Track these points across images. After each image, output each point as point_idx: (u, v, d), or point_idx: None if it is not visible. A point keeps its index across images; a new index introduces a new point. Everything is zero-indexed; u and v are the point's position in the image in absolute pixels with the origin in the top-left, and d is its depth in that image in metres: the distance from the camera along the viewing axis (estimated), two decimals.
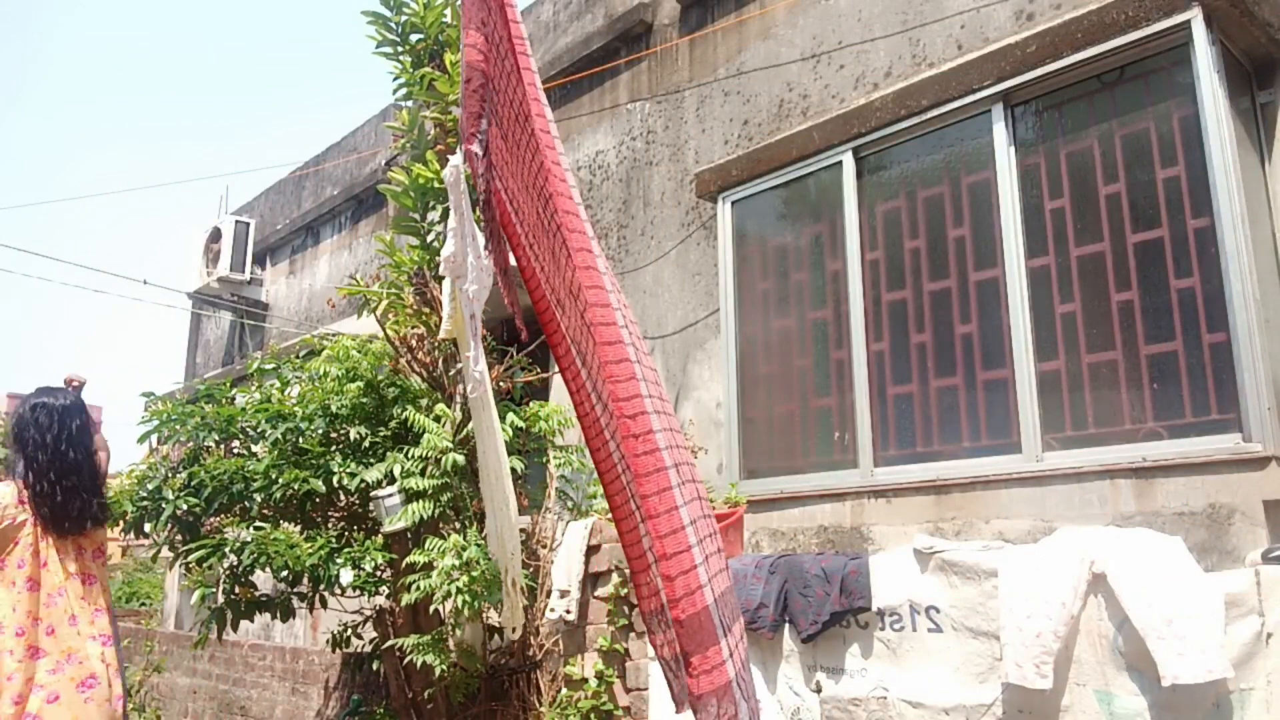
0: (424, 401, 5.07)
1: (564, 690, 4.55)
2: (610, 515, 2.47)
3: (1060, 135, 4.05)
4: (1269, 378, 3.36)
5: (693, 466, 2.48)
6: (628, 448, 2.12)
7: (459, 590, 4.28)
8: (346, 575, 4.88)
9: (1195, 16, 3.58)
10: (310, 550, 4.71)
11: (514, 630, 4.51)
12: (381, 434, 5.07)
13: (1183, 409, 3.55)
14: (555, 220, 2.38)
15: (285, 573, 4.68)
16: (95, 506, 3.58)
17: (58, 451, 3.49)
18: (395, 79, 5.44)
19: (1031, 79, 4.02)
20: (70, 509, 3.48)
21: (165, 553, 5.09)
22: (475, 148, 2.31)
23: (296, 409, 5.05)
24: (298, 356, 5.87)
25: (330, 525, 5.32)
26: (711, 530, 2.45)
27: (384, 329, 5.23)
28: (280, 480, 4.76)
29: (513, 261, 2.57)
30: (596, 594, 4.58)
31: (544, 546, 5.11)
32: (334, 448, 5.07)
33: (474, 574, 4.31)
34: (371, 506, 4.87)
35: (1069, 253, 3.93)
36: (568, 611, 4.56)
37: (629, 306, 2.69)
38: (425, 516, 4.63)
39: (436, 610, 4.61)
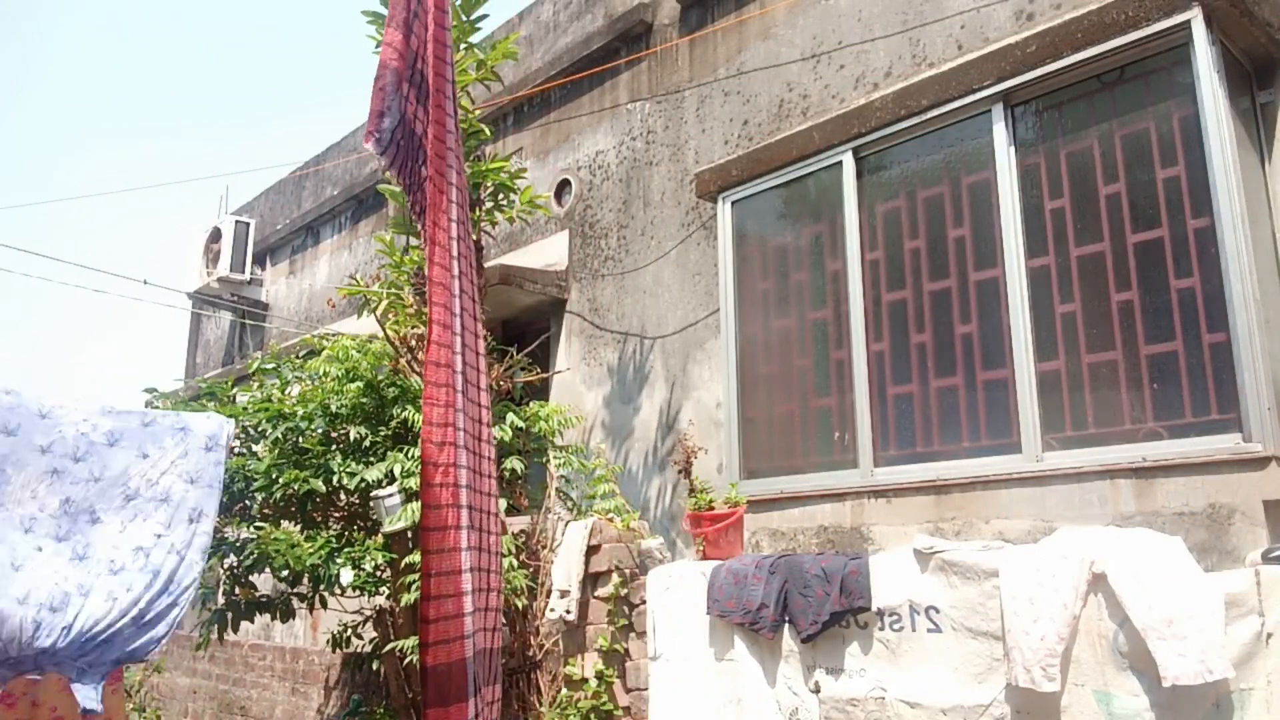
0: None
1: (564, 690, 4.55)
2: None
3: (1060, 135, 4.05)
4: (1269, 378, 3.36)
5: (495, 518, 2.41)
6: (425, 475, 2.02)
7: None
8: (347, 575, 4.88)
9: (1195, 16, 3.58)
10: (311, 550, 4.71)
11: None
12: (382, 434, 5.07)
13: (1183, 409, 3.55)
14: (433, 229, 2.35)
15: (286, 573, 4.68)
16: None
17: None
18: None
19: (1031, 79, 4.02)
20: None
21: None
22: (371, 145, 2.29)
23: (297, 408, 5.05)
24: (298, 356, 5.87)
25: (330, 525, 5.32)
26: (490, 586, 2.35)
27: (384, 329, 5.23)
28: (281, 480, 4.76)
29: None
30: (596, 594, 4.58)
31: (544, 546, 5.11)
32: (334, 447, 5.07)
33: None
34: (371, 506, 4.87)
35: (1069, 253, 3.93)
36: (568, 611, 4.56)
37: (482, 337, 2.65)
38: None
39: None
